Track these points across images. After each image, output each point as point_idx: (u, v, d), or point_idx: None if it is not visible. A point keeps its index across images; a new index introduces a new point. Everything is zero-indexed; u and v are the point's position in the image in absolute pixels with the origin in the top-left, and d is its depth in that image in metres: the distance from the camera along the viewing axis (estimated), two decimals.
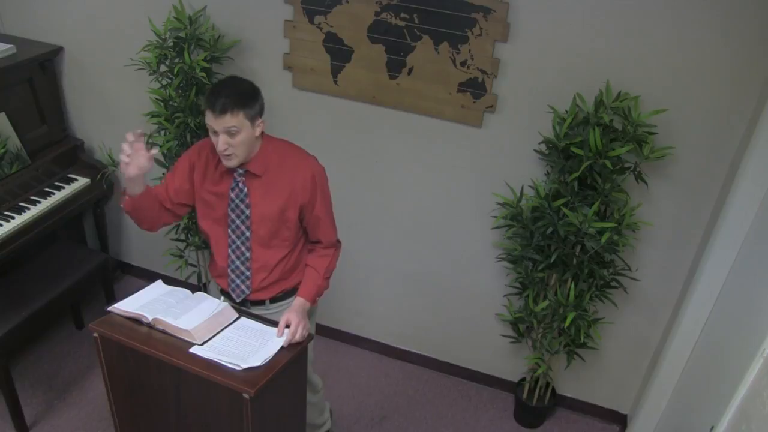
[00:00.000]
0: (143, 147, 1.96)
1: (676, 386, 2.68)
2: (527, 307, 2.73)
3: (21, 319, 2.71)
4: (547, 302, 2.65)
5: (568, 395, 3.18)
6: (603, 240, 2.40)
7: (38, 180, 3.13)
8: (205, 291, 2.36)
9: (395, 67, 2.69)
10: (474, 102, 2.65)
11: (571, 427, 3.14)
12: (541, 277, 2.66)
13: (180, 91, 2.84)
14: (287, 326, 2.04)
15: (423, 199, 2.95)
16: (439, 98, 2.69)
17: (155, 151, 2.00)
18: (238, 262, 2.18)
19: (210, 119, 1.94)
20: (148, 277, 3.48)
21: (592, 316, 2.71)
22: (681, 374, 2.65)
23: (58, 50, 3.23)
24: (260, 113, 2.01)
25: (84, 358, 3.23)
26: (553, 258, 2.55)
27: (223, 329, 2.03)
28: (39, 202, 3.03)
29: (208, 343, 1.96)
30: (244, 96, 1.95)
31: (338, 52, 2.75)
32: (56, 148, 3.27)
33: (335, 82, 2.81)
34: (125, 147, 1.94)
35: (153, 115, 2.88)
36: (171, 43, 2.80)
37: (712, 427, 2.00)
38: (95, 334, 2.00)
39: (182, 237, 3.16)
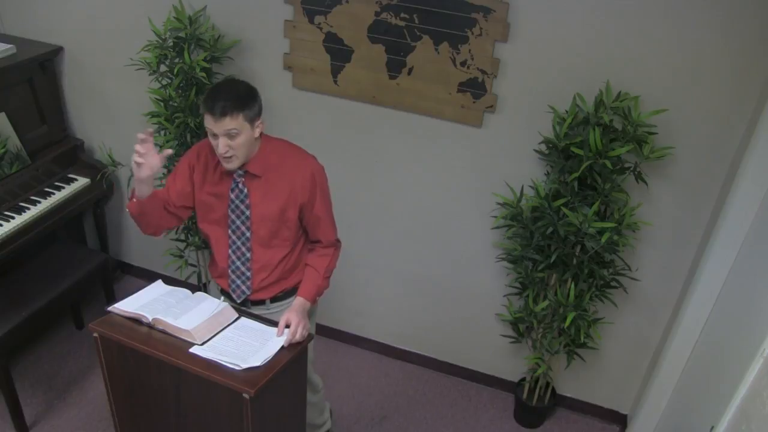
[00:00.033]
0: (153, 147, 1.96)
1: (676, 386, 2.68)
2: (527, 307, 2.73)
3: (21, 319, 2.71)
4: (547, 302, 2.65)
5: (568, 395, 3.18)
6: (603, 240, 2.40)
7: (38, 180, 3.13)
8: (205, 291, 2.35)
9: (395, 67, 2.69)
10: (474, 102, 2.65)
11: (571, 427, 3.14)
12: (541, 277, 2.66)
13: (180, 91, 2.84)
14: (287, 326, 2.04)
15: (423, 199, 2.95)
16: (439, 98, 2.69)
17: (170, 151, 2.00)
18: (238, 263, 2.18)
19: (209, 122, 1.94)
20: (148, 277, 3.48)
21: (592, 316, 2.71)
22: (681, 374, 2.65)
23: (58, 50, 3.23)
24: (259, 114, 2.01)
25: (84, 358, 3.23)
26: (553, 258, 2.55)
27: (223, 329, 2.03)
28: (39, 202, 3.03)
29: (208, 343, 1.96)
30: (242, 98, 1.95)
31: (338, 52, 2.75)
32: (56, 148, 3.27)
33: (335, 82, 2.81)
34: (139, 147, 1.93)
35: (153, 115, 2.88)
36: (171, 43, 2.80)
37: (712, 427, 2.00)
38: (95, 334, 2.00)
39: (182, 237, 3.17)
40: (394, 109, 2.79)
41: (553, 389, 3.09)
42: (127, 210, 2.10)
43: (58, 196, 3.10)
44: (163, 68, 2.84)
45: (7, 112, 3.00)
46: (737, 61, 2.27)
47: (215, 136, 1.96)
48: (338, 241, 2.30)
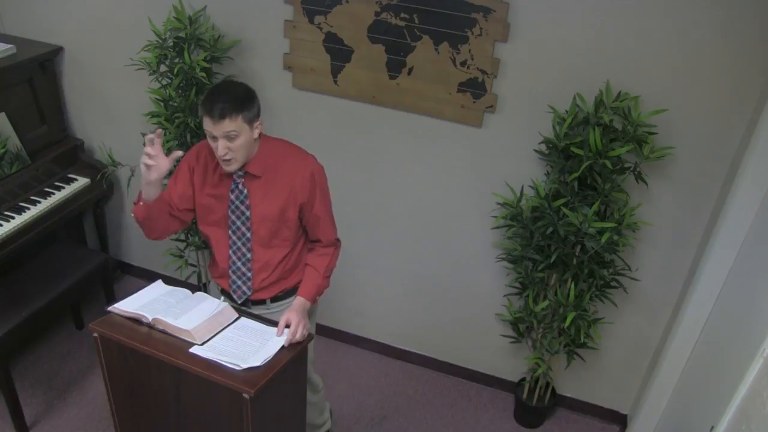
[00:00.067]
0: (161, 149, 1.96)
1: (676, 386, 2.68)
2: (527, 307, 2.73)
3: (21, 319, 2.71)
4: (547, 302, 2.65)
5: (568, 395, 3.18)
6: (603, 240, 2.40)
7: (38, 180, 3.13)
8: (205, 291, 2.36)
9: (395, 67, 2.69)
10: (474, 102, 2.65)
11: (571, 427, 3.14)
12: (541, 277, 2.66)
13: (180, 91, 2.84)
14: (287, 326, 2.04)
15: (423, 199, 2.95)
16: (439, 98, 2.69)
17: (180, 153, 1.99)
18: (239, 263, 2.18)
19: (208, 125, 1.94)
20: (148, 277, 3.48)
21: (592, 316, 2.71)
22: (681, 374, 2.65)
23: (58, 50, 3.23)
24: (258, 115, 2.01)
25: (84, 358, 3.23)
26: (553, 258, 2.55)
27: (223, 329, 2.03)
28: (39, 202, 3.03)
29: (208, 343, 1.96)
30: (241, 99, 1.94)
31: (338, 52, 2.75)
32: (56, 148, 3.27)
33: (335, 82, 2.81)
34: (148, 149, 1.93)
35: (153, 115, 2.88)
36: (171, 43, 2.80)
37: (712, 427, 2.00)
38: (95, 334, 2.00)
39: (182, 237, 3.17)
40: (394, 109, 2.79)
41: (553, 389, 3.09)
42: (133, 215, 2.09)
43: (58, 196, 3.10)
44: (163, 68, 2.84)
45: (7, 112, 3.00)
46: (737, 61, 2.27)
47: (214, 138, 1.96)
48: (338, 240, 2.30)
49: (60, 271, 3.00)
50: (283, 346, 1.98)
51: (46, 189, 3.13)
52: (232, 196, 2.10)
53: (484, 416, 3.15)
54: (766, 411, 1.68)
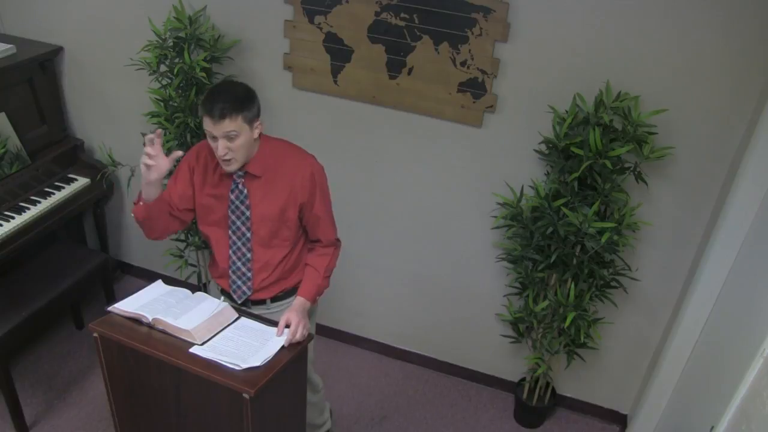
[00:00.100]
0: (161, 149, 1.96)
1: (676, 386, 2.68)
2: (527, 307, 2.73)
3: (21, 319, 2.71)
4: (547, 302, 2.65)
5: (568, 395, 3.18)
6: (603, 240, 2.40)
7: (38, 180, 3.13)
8: (205, 291, 2.35)
9: (395, 67, 2.69)
10: (474, 102, 2.65)
11: (571, 427, 3.14)
12: (541, 277, 2.66)
13: (180, 91, 2.84)
14: (287, 326, 2.04)
15: (423, 199, 2.95)
16: (439, 98, 2.69)
17: (180, 153, 1.99)
18: (239, 263, 2.18)
19: (208, 125, 1.94)
20: (148, 277, 3.48)
21: (592, 316, 2.71)
22: (681, 374, 2.65)
23: (58, 50, 3.23)
24: (258, 115, 2.01)
25: (84, 358, 3.23)
26: (553, 258, 2.55)
27: (223, 329, 2.03)
28: (39, 202, 3.03)
29: (208, 343, 1.96)
30: (241, 99, 1.94)
31: (338, 52, 2.75)
32: (56, 148, 3.27)
33: (335, 82, 2.81)
34: (148, 149, 1.93)
35: (153, 115, 2.88)
36: (171, 43, 2.80)
37: (712, 427, 2.00)
38: (95, 334, 2.00)
39: (182, 237, 3.17)
40: (394, 109, 2.79)
41: (553, 389, 3.09)
42: (133, 215, 2.09)
43: (58, 196, 3.10)
44: (163, 68, 2.84)
45: (7, 112, 3.00)
46: (737, 61, 2.27)
47: (214, 138, 1.95)
48: (338, 240, 2.30)
49: (60, 271, 3.00)
50: (283, 346, 1.98)
51: (46, 189, 3.13)
52: (232, 196, 2.10)
53: (484, 416, 3.15)
54: (766, 411, 1.68)
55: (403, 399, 3.21)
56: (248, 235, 2.14)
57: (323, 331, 3.37)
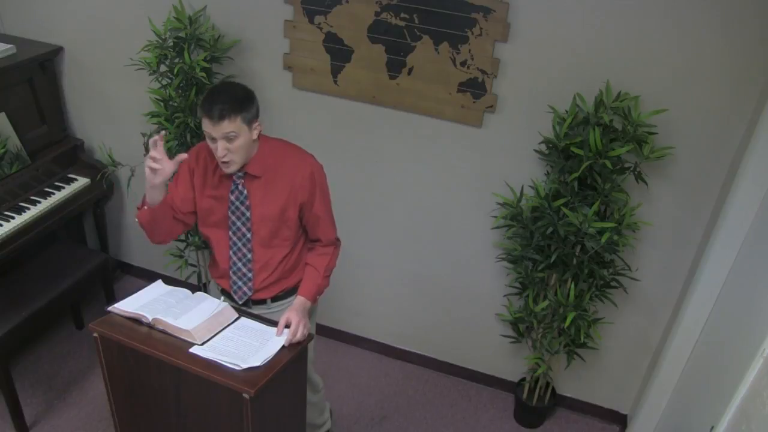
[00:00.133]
0: (164, 151, 1.96)
1: (676, 386, 2.68)
2: (527, 307, 2.73)
3: (21, 319, 2.71)
4: (547, 302, 2.65)
5: (568, 395, 3.18)
6: (603, 240, 2.40)
7: (38, 180, 3.13)
8: (205, 291, 2.35)
9: (395, 67, 2.69)
10: (474, 102, 2.65)
11: (571, 427, 3.14)
12: (541, 277, 2.66)
13: (180, 91, 2.84)
14: (287, 325, 2.04)
15: (423, 199, 2.95)
16: (439, 98, 2.69)
17: (184, 155, 1.99)
18: (239, 264, 2.18)
19: (207, 126, 1.94)
20: (148, 277, 3.48)
21: (592, 316, 2.71)
22: (681, 374, 2.65)
23: (58, 50, 3.23)
24: (257, 116, 2.01)
25: (84, 358, 3.23)
26: (553, 258, 2.55)
27: (223, 329, 2.03)
28: (39, 202, 3.03)
29: (208, 343, 1.96)
30: (240, 100, 1.94)
31: (338, 52, 2.75)
32: (56, 148, 3.27)
33: (335, 82, 2.81)
34: (154, 153, 1.92)
35: (153, 115, 2.88)
36: (171, 43, 2.80)
37: (712, 427, 2.00)
38: (95, 334, 2.00)
39: (182, 237, 3.16)
40: (394, 109, 2.79)
41: (553, 389, 3.09)
42: (137, 220, 2.08)
43: (58, 196, 3.10)
44: (163, 68, 2.84)
45: (7, 112, 3.00)
46: (737, 61, 2.27)
47: (213, 139, 1.95)
48: (338, 239, 2.30)
49: (60, 271, 3.00)
50: (283, 346, 1.98)
51: (46, 189, 3.13)
52: (232, 197, 2.10)
53: (484, 416, 3.15)
54: (766, 411, 1.68)
55: (403, 399, 3.21)
56: (248, 235, 2.14)
57: (323, 331, 3.37)
